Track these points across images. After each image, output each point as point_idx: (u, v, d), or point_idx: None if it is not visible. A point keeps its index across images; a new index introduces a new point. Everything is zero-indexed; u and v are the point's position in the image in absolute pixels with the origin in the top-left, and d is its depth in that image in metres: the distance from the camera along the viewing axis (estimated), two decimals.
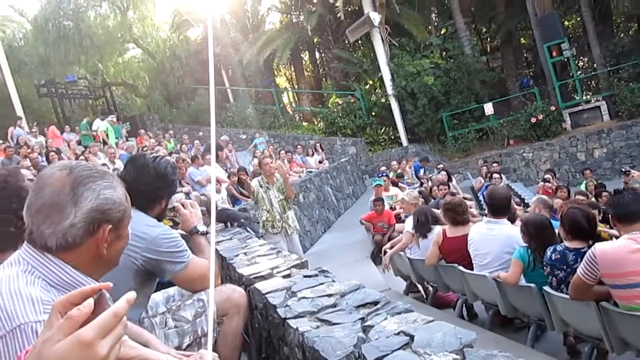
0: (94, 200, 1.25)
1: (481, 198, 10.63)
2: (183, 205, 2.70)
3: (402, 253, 6.08)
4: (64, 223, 1.22)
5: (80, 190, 1.24)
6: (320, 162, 15.24)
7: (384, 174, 11.14)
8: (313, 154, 15.54)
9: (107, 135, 15.22)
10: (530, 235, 4.07)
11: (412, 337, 1.70)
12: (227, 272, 3.59)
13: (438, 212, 5.75)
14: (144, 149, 13.22)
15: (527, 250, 4.09)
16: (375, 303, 2.10)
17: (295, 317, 2.16)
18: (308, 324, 2.06)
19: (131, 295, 0.81)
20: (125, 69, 27.27)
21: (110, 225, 1.29)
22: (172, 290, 2.66)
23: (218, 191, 9.34)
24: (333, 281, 2.56)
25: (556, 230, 4.30)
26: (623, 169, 11.21)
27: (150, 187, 2.46)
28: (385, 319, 1.91)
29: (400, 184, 11.70)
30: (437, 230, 5.24)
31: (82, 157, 10.65)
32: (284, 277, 2.88)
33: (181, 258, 2.33)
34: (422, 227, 5.47)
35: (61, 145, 14.05)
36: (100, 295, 0.88)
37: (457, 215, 5.00)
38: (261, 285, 2.75)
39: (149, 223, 2.35)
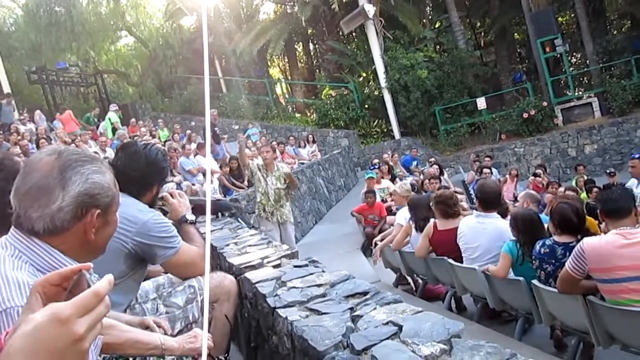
0: (82, 185, 1.24)
1: (472, 192, 10.68)
2: (171, 195, 2.71)
3: (391, 245, 6.09)
4: (52, 207, 1.21)
5: (68, 174, 1.23)
6: (312, 153, 15.23)
7: (377, 167, 11.13)
8: (305, 146, 15.52)
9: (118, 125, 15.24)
10: (519, 229, 4.10)
11: (400, 327, 1.71)
12: (217, 262, 3.59)
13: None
14: (136, 137, 13.13)
15: (516, 244, 4.12)
16: (365, 293, 2.11)
17: (284, 307, 2.17)
18: (297, 313, 2.06)
19: (111, 276, 0.80)
20: (118, 57, 27.04)
21: (99, 210, 1.28)
22: (162, 279, 2.66)
23: (210, 181, 9.32)
24: (323, 271, 2.57)
25: (545, 225, 4.33)
26: (608, 171, 11.29)
27: (142, 173, 2.47)
28: (374, 309, 1.92)
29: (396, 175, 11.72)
30: (428, 223, 5.26)
31: (72, 145, 10.56)
32: (274, 267, 2.89)
33: (172, 243, 2.34)
34: (423, 221, 5.43)
35: (75, 130, 13.97)
36: (80, 275, 0.87)
37: (448, 208, 5.02)
38: (251, 275, 2.75)
39: (140, 208, 2.36)
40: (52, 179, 1.22)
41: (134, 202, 2.38)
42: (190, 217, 2.66)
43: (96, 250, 1.39)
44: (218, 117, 14.62)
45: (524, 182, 12.54)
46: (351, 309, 1.97)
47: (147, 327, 2.02)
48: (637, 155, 6.54)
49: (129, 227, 2.22)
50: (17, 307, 1.09)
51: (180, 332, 2.27)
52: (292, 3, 23.42)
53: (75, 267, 0.88)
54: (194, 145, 11.64)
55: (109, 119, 15.45)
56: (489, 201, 4.67)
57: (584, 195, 9.14)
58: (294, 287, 2.38)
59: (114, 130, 14.77)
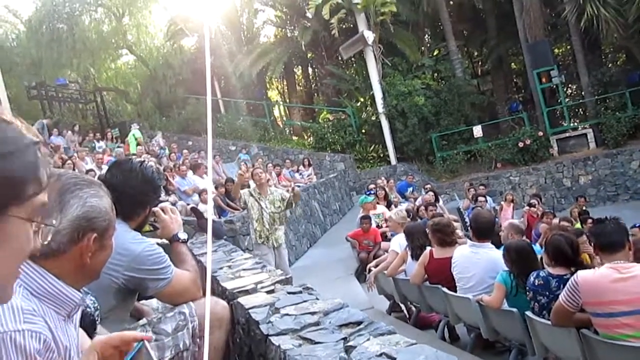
0: (80, 208, 1.25)
1: (467, 219, 10.69)
2: (163, 211, 2.58)
3: (385, 271, 6.07)
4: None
5: (66, 197, 1.24)
6: (308, 176, 15.27)
7: (373, 192, 11.14)
8: (302, 173, 15.53)
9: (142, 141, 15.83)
10: (512, 260, 4.11)
11: None
12: (210, 286, 3.56)
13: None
14: (133, 156, 13.16)
15: (510, 274, 4.12)
16: (359, 323, 2.09)
17: (277, 334, 2.15)
18: (290, 341, 2.04)
19: None
20: (117, 75, 27.18)
21: (95, 234, 1.28)
22: (155, 303, 2.62)
23: (205, 201, 9.31)
24: (317, 299, 2.55)
25: (539, 256, 4.34)
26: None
27: (137, 191, 2.39)
28: (368, 339, 1.90)
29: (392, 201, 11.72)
30: (424, 250, 5.25)
31: (68, 162, 10.55)
32: (268, 292, 2.87)
33: (165, 274, 2.28)
34: (419, 249, 5.43)
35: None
36: (141, 347, 0.86)
37: (446, 236, 5.02)
38: (244, 300, 2.73)
39: (133, 238, 2.29)
40: (51, 202, 1.22)
41: (126, 230, 2.31)
42: (183, 235, 2.56)
43: (91, 275, 1.38)
44: (219, 162, 14.64)
45: (518, 211, 12.58)
46: (345, 339, 1.96)
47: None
48: (638, 225, 6.41)
49: (119, 261, 2.15)
50: (10, 332, 1.08)
51: None
52: (292, 27, 23.72)
53: (138, 335, 0.88)
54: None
55: (133, 135, 15.81)
56: (483, 231, 4.68)
57: (578, 226, 9.17)
58: (287, 315, 2.36)
59: (138, 145, 15.33)
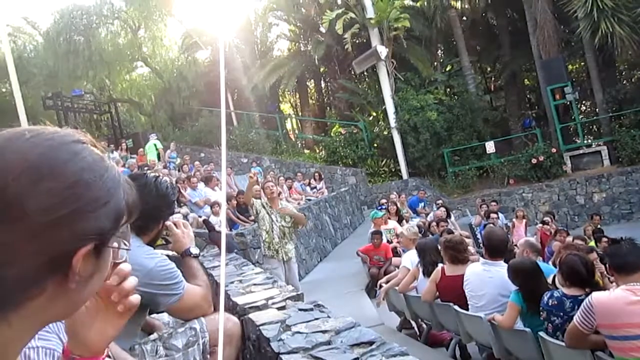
0: None
1: (479, 235, 10.62)
2: (175, 225, 2.59)
3: (396, 288, 6.03)
4: None
5: None
6: (319, 190, 15.27)
7: (385, 207, 11.09)
8: (314, 187, 15.55)
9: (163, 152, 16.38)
10: (519, 282, 4.06)
11: None
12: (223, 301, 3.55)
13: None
14: (145, 167, 13.24)
15: (520, 293, 4.07)
16: (371, 343, 2.08)
17: (288, 353, 2.14)
18: None
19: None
20: (132, 87, 27.48)
21: None
22: (167, 317, 2.62)
23: (217, 214, 9.34)
24: (328, 317, 2.54)
25: (552, 275, 4.28)
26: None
27: (151, 206, 2.37)
28: None
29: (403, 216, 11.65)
30: (436, 267, 5.21)
31: None
32: (279, 308, 2.86)
33: (176, 290, 2.28)
34: (432, 265, 5.39)
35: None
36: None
37: (458, 253, 4.98)
38: (255, 316, 2.72)
39: (145, 255, 2.29)
40: None
41: (139, 245, 2.31)
42: (195, 250, 2.56)
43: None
44: (231, 174, 14.74)
45: (531, 228, 12.46)
46: (356, 359, 1.94)
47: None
48: None
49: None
50: (24, 349, 1.08)
51: None
52: (306, 41, 23.89)
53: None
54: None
55: (155, 145, 16.16)
56: (496, 249, 4.64)
57: (592, 244, 9.06)
58: (298, 332, 2.35)
59: (159, 155, 15.89)
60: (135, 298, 1.00)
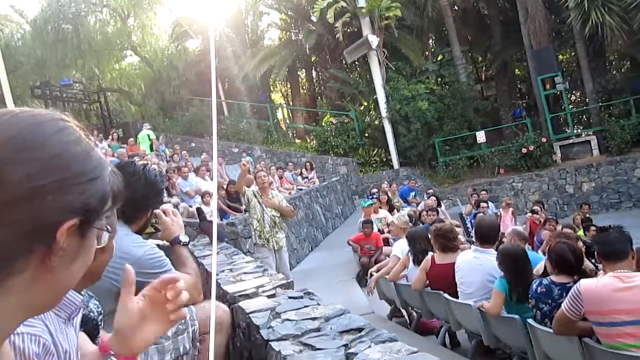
0: None
1: (469, 225, 10.69)
2: (165, 213, 2.57)
3: (387, 276, 6.05)
4: None
5: None
6: (310, 179, 15.26)
7: (376, 196, 11.12)
8: (305, 176, 15.54)
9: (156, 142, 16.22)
10: (505, 266, 4.10)
11: None
12: (211, 288, 3.55)
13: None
14: (135, 157, 13.16)
15: (507, 280, 4.11)
16: (360, 330, 2.08)
17: (278, 340, 2.14)
18: (291, 347, 2.04)
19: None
20: (122, 76, 27.20)
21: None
22: None
23: (207, 204, 9.31)
24: (318, 304, 2.55)
25: (542, 263, 4.31)
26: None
27: (140, 194, 2.33)
28: (369, 347, 1.89)
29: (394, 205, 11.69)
30: (427, 256, 5.24)
31: None
32: (269, 296, 2.86)
33: None
34: (421, 254, 5.42)
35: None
36: None
37: (448, 242, 5.00)
38: (245, 304, 2.72)
39: (133, 243, 2.27)
40: None
41: (127, 234, 2.28)
42: (184, 238, 2.54)
43: (92, 277, 1.37)
44: (222, 163, 14.69)
45: (520, 217, 12.55)
46: (346, 345, 1.95)
47: None
48: None
49: (120, 264, 2.13)
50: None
51: None
52: (297, 30, 23.77)
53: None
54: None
55: (148, 136, 16.03)
56: (487, 237, 4.67)
57: (580, 232, 9.15)
58: (288, 320, 2.36)
59: (152, 146, 15.74)
60: (185, 312, 1.12)
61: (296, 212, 7.28)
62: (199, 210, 6.62)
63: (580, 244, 5.23)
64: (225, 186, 10.40)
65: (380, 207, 10.71)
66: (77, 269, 0.78)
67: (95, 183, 0.73)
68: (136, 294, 2.33)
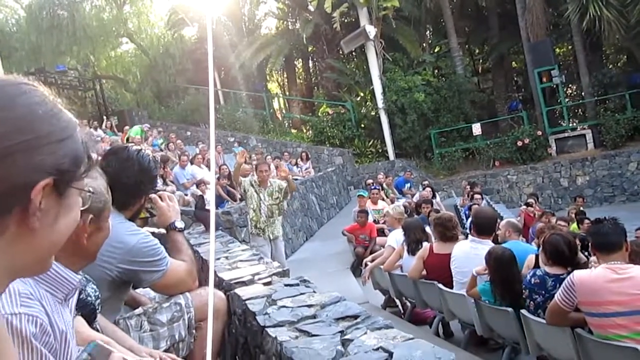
0: None
1: (464, 217, 10.71)
2: (160, 198, 2.52)
3: (381, 266, 6.08)
4: None
5: None
6: (306, 170, 15.24)
7: (377, 187, 11.08)
8: (301, 166, 15.51)
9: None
10: (492, 267, 4.10)
11: (390, 354, 1.70)
12: (207, 276, 3.55)
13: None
14: (130, 144, 13.11)
15: (491, 285, 4.12)
16: (356, 317, 2.09)
17: (274, 326, 2.15)
18: (287, 333, 2.05)
19: None
20: (117, 63, 27.01)
21: (91, 215, 1.27)
22: (152, 292, 2.60)
23: (203, 192, 9.29)
24: (314, 292, 2.56)
25: (532, 256, 4.33)
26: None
27: (133, 180, 2.32)
28: (365, 333, 1.91)
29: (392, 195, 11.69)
30: (424, 244, 5.26)
31: None
32: (265, 284, 2.87)
33: (160, 266, 2.24)
34: (415, 243, 5.44)
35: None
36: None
37: (447, 230, 5.02)
38: (241, 291, 2.73)
39: (127, 231, 2.23)
40: None
41: (121, 222, 2.24)
42: (180, 224, 2.50)
43: (88, 257, 1.38)
44: (220, 152, 14.68)
45: (515, 209, 12.60)
46: (341, 332, 1.96)
47: None
48: None
49: (113, 253, 2.10)
50: (6, 315, 1.07)
51: (166, 352, 2.22)
52: (294, 20, 23.63)
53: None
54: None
55: (140, 128, 15.81)
56: (484, 227, 4.69)
57: (574, 226, 9.19)
58: (284, 307, 2.37)
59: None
60: None
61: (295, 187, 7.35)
62: (201, 197, 6.60)
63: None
64: (227, 173, 10.35)
65: (375, 203, 10.67)
66: (60, 229, 0.78)
67: (65, 143, 0.74)
68: (129, 283, 2.33)
